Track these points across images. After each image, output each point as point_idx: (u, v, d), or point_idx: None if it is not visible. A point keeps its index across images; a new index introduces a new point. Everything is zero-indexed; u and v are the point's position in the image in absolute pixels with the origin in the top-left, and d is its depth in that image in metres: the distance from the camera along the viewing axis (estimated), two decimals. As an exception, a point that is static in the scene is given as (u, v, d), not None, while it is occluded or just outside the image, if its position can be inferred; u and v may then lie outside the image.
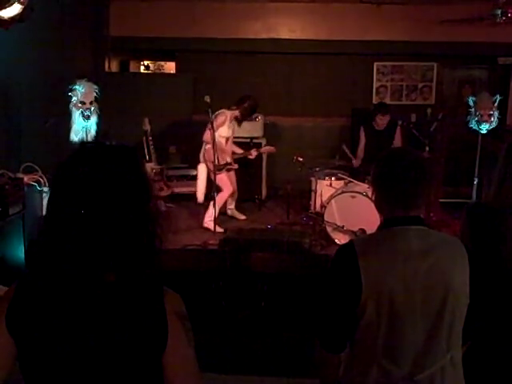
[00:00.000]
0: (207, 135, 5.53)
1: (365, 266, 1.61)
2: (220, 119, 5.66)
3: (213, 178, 5.57)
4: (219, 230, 5.55)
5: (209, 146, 5.56)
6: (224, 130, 5.72)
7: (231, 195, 6.00)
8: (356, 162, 6.22)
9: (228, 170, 5.85)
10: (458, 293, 1.63)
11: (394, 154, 1.80)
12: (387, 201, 1.74)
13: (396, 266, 1.62)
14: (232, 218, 6.18)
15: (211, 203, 5.65)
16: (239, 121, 5.88)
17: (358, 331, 1.65)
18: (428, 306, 1.61)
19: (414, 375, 1.62)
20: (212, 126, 5.37)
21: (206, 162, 5.78)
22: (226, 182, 5.76)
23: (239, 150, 6.07)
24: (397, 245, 1.66)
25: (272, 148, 6.32)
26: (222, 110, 5.73)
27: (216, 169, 5.52)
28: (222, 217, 5.99)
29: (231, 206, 6.21)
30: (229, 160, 5.84)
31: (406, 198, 1.70)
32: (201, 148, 5.94)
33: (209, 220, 5.67)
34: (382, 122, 6.14)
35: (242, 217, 6.19)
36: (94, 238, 1.21)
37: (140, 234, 1.27)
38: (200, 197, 5.97)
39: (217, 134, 5.53)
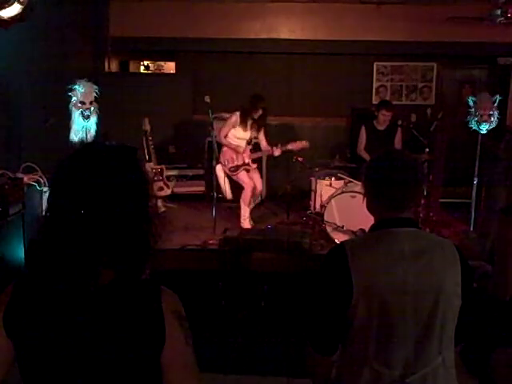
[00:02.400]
0: (218, 137, 5.72)
1: (355, 267, 1.60)
2: (232, 119, 5.72)
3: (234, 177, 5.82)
4: (251, 226, 5.79)
5: (225, 148, 5.81)
6: (237, 131, 5.74)
7: (254, 193, 5.93)
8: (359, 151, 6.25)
9: (247, 171, 5.87)
10: (450, 294, 1.62)
11: (385, 155, 1.78)
12: (379, 202, 1.73)
13: (387, 267, 1.61)
14: (231, 219, 6.17)
15: (241, 202, 5.81)
16: (251, 121, 5.74)
17: (350, 333, 1.64)
18: (419, 307, 1.60)
19: (405, 377, 1.61)
20: (213, 128, 5.58)
21: (221, 163, 5.88)
22: (245, 180, 5.81)
23: (266, 148, 5.89)
24: (388, 246, 1.65)
25: (304, 143, 5.78)
26: (235, 112, 5.76)
27: (230, 171, 5.79)
28: (223, 217, 5.99)
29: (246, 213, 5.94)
30: (246, 160, 5.83)
31: (398, 200, 1.69)
32: (201, 147, 5.98)
33: (242, 220, 5.82)
34: (384, 118, 6.11)
35: (248, 226, 5.87)
36: (92, 238, 1.22)
37: (137, 233, 1.27)
38: (228, 194, 6.04)
39: (231, 134, 5.71)
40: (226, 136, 5.76)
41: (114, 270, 1.26)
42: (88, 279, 1.23)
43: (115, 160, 1.28)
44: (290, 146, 5.77)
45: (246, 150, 5.85)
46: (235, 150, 5.75)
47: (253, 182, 5.85)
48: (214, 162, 5.78)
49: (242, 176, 5.83)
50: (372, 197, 1.76)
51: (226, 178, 5.97)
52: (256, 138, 5.90)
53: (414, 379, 1.61)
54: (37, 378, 1.27)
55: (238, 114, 5.72)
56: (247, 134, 5.81)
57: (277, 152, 5.75)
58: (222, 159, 5.86)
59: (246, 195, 5.80)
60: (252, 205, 6.04)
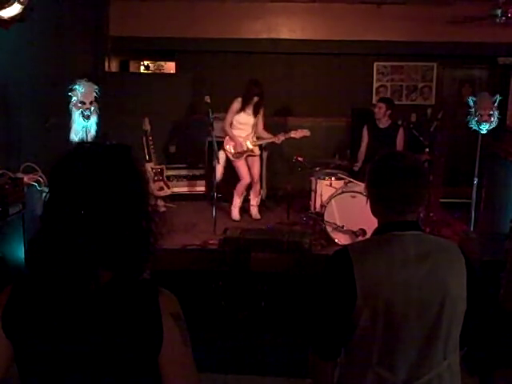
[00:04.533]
0: (225, 126, 5.90)
1: (360, 272, 1.58)
2: (234, 106, 5.83)
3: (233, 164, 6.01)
4: (237, 218, 6.01)
5: (227, 137, 5.94)
6: (241, 116, 5.85)
7: (252, 187, 6.13)
8: (357, 167, 6.19)
9: (248, 156, 6.00)
10: (456, 298, 1.60)
11: (388, 157, 1.74)
12: (382, 205, 1.71)
13: (392, 272, 1.59)
14: (231, 219, 6.17)
15: (234, 193, 6.10)
16: (250, 106, 5.86)
17: (354, 338, 1.62)
18: (425, 312, 1.58)
19: (409, 382, 1.59)
20: (213, 128, 5.67)
21: (224, 149, 6.00)
22: (242, 172, 5.96)
23: (267, 135, 6.11)
24: (393, 250, 1.62)
25: (305, 131, 5.98)
26: (236, 99, 5.88)
27: (234, 157, 5.92)
28: (223, 217, 6.00)
29: (253, 201, 6.24)
30: (250, 147, 5.95)
31: (402, 203, 1.66)
32: (201, 147, 6.02)
33: (233, 207, 6.10)
34: (378, 111, 6.10)
35: (257, 216, 6.22)
36: (89, 237, 1.21)
37: (136, 232, 1.27)
38: (218, 176, 6.06)
39: (234, 121, 5.85)
40: (231, 124, 5.89)
41: (113, 270, 1.26)
42: (87, 280, 1.23)
43: (110, 159, 1.28)
44: (292, 134, 5.96)
45: (249, 136, 5.95)
46: (237, 136, 5.87)
47: (250, 171, 6.02)
48: (215, 162, 5.83)
49: (242, 168, 5.95)
50: (376, 200, 1.73)
51: (221, 166, 6.09)
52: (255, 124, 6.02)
53: None
54: (35, 378, 1.27)
55: (239, 99, 5.82)
56: (250, 119, 5.93)
57: (280, 139, 5.96)
58: (225, 145, 5.97)
59: (240, 187, 6.02)
60: (254, 201, 6.19)
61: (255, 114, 5.90)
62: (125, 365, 1.25)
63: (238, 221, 6.01)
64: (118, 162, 1.29)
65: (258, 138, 6.08)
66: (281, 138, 5.96)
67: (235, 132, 5.89)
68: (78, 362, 1.24)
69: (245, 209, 6.41)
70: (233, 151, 5.92)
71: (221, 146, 6.00)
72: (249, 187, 6.15)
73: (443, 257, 1.64)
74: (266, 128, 6.14)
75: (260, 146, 6.17)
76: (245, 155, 5.95)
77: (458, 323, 1.63)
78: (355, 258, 1.61)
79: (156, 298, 1.28)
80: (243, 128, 5.88)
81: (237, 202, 6.11)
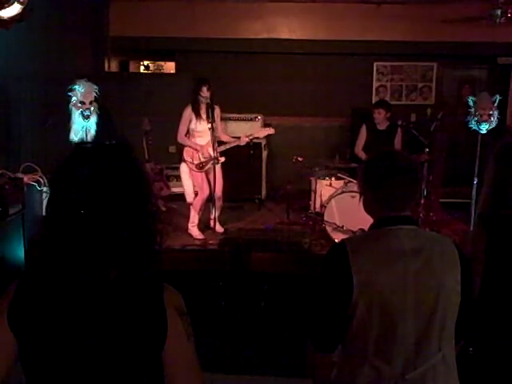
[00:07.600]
0: (179, 137, 5.35)
1: (356, 265, 1.61)
2: (185, 114, 5.28)
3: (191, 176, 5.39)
4: (201, 236, 5.40)
5: (186, 148, 5.37)
6: (196, 124, 5.27)
7: (215, 200, 5.40)
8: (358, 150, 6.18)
9: (212, 165, 5.30)
10: (450, 291, 1.63)
11: (383, 156, 1.78)
12: (379, 203, 1.73)
13: (388, 265, 1.62)
14: (231, 219, 6.15)
15: (191, 207, 5.49)
16: (203, 111, 5.24)
17: (350, 331, 1.65)
18: (420, 305, 1.61)
19: (405, 374, 1.62)
20: (212, 128, 5.17)
21: (186, 161, 5.41)
22: (203, 184, 5.37)
23: (228, 139, 5.52)
24: (388, 244, 1.66)
25: (270, 129, 5.67)
26: (188, 106, 5.30)
27: (198, 168, 5.32)
28: (224, 217, 5.99)
29: (216, 214, 5.49)
30: (214, 154, 5.23)
31: (397, 200, 1.70)
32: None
33: (191, 226, 5.47)
34: (379, 116, 6.11)
35: (221, 229, 5.56)
36: (94, 238, 1.22)
37: (140, 231, 1.28)
38: (189, 196, 5.56)
39: (190, 130, 5.30)
40: (186, 134, 5.30)
41: (118, 269, 1.27)
42: (94, 278, 1.24)
43: (112, 159, 1.29)
44: (256, 134, 5.60)
45: (210, 143, 5.26)
46: (197, 145, 5.30)
47: (213, 182, 5.26)
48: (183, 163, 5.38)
49: (201, 180, 5.36)
50: (371, 197, 1.76)
51: (189, 179, 5.47)
52: (212, 128, 5.20)
53: (413, 376, 1.62)
54: (39, 374, 1.28)
55: (189, 107, 5.25)
56: (207, 125, 5.23)
57: (244, 141, 5.46)
58: (186, 157, 5.36)
59: (200, 201, 5.41)
60: (215, 213, 5.49)
61: (209, 119, 5.20)
62: (129, 359, 1.26)
63: (203, 238, 5.35)
64: (121, 161, 1.29)
65: (220, 144, 5.40)
66: (244, 139, 5.45)
67: (195, 141, 5.32)
68: (83, 357, 1.25)
69: (245, 208, 6.41)
70: (195, 162, 5.30)
71: (181, 157, 5.45)
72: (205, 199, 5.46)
73: (437, 250, 1.67)
74: (227, 131, 5.64)
75: (225, 152, 5.47)
76: (209, 164, 5.29)
77: (452, 315, 1.66)
78: (352, 252, 1.64)
79: (161, 293, 1.30)
80: (202, 135, 5.28)
81: (195, 218, 5.44)
